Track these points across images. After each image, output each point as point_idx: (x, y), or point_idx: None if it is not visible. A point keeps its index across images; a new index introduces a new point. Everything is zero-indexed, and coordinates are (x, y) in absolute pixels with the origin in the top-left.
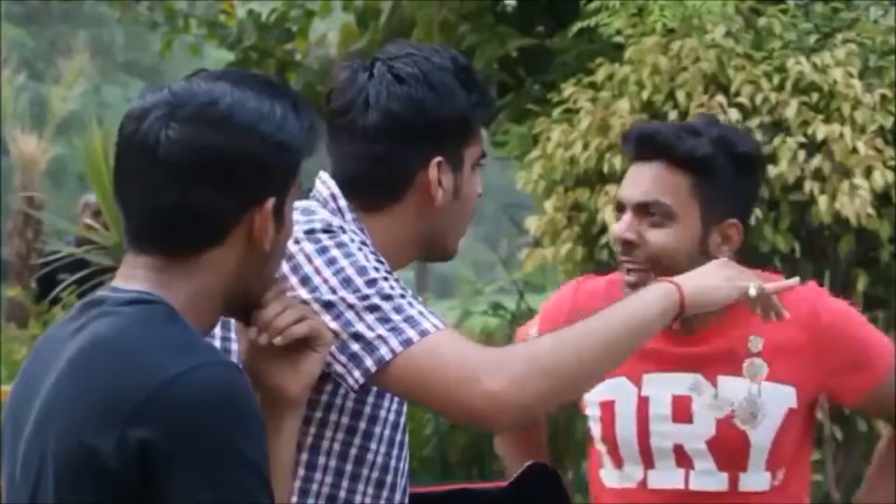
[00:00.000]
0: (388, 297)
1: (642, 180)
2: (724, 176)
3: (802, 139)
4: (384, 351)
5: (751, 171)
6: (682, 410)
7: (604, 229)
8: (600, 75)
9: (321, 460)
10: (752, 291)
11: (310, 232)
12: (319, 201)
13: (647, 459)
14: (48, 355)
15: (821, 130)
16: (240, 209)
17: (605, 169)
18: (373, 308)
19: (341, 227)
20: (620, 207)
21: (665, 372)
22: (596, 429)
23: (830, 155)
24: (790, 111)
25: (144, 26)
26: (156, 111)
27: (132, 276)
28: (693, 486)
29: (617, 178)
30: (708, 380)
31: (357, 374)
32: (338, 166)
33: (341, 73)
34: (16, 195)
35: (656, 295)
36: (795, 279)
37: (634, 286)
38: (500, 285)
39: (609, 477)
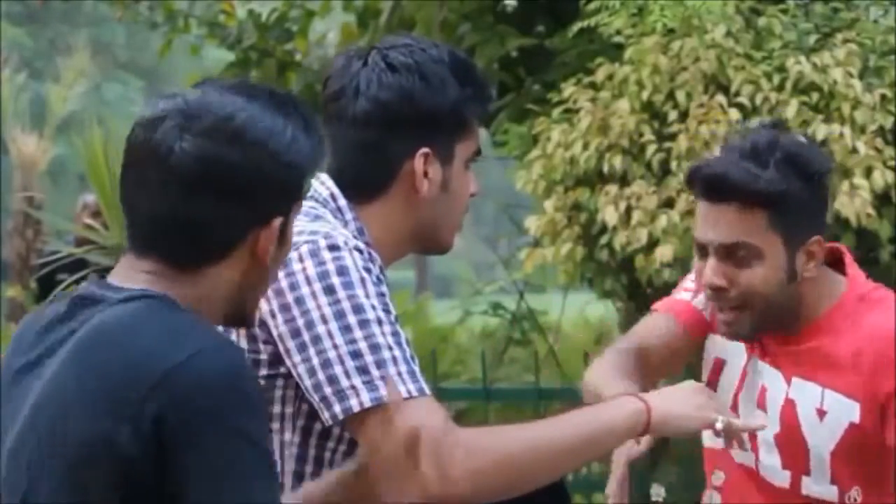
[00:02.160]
0: (374, 347)
1: (720, 221)
2: (799, 200)
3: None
4: (353, 402)
5: (824, 186)
6: (762, 398)
7: (604, 229)
8: (600, 75)
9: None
10: (719, 425)
11: (314, 251)
12: (319, 202)
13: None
14: (32, 349)
15: (821, 130)
16: (247, 226)
17: (605, 169)
18: (356, 354)
19: (345, 242)
20: (703, 251)
21: (759, 360)
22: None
23: (830, 155)
24: (790, 111)
25: (144, 26)
26: (169, 121)
27: (132, 278)
28: (762, 473)
29: (617, 178)
30: (784, 379)
31: (326, 415)
32: (331, 155)
33: (338, 61)
34: (16, 195)
35: (625, 414)
36: (762, 423)
37: (731, 327)
38: (500, 285)
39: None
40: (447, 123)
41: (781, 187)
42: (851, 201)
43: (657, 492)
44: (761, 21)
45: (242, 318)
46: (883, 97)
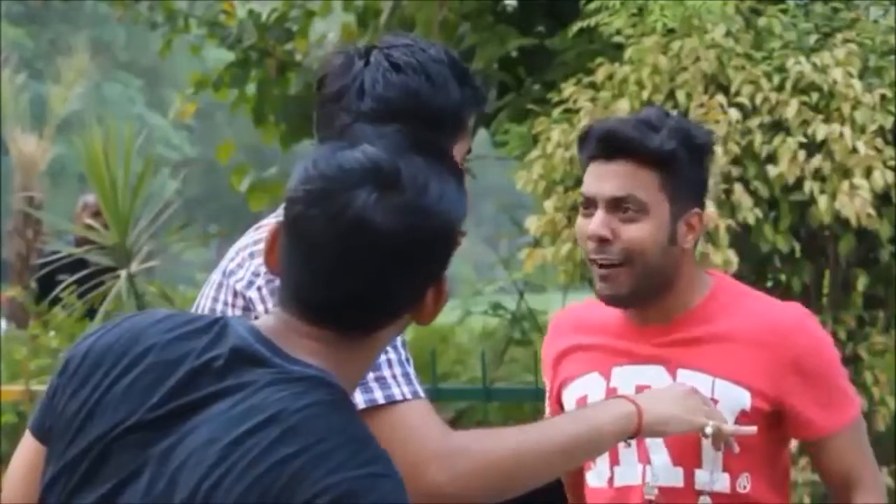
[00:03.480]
0: None
1: (613, 177)
2: (686, 168)
3: (802, 139)
4: None
5: (706, 161)
6: None
7: None
8: (600, 75)
9: None
10: (708, 430)
11: None
12: None
13: (613, 454)
14: (161, 381)
15: (821, 130)
16: (424, 291)
17: None
18: None
19: None
20: (589, 204)
21: (633, 364)
22: None
23: (830, 155)
24: (790, 111)
25: (144, 26)
26: (363, 192)
27: (301, 346)
28: (649, 479)
29: None
30: (669, 372)
31: None
32: None
33: (336, 59)
34: (16, 195)
35: (616, 416)
36: (753, 428)
37: (610, 283)
38: (500, 285)
39: (590, 477)
40: (448, 123)
41: (672, 148)
42: (851, 201)
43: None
44: (761, 21)
45: None
46: (883, 97)
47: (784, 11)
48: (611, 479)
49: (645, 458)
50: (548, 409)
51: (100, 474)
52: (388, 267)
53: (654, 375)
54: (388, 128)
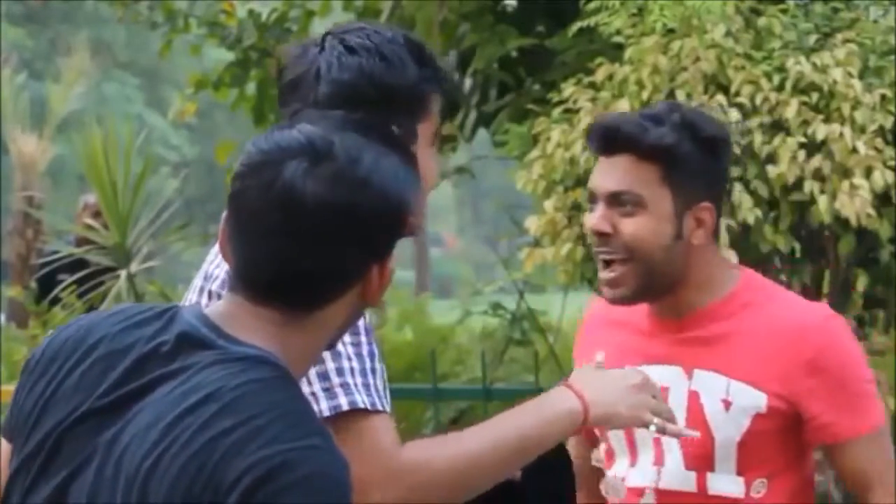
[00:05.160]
0: (336, 355)
1: (613, 171)
2: (692, 161)
3: (802, 139)
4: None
5: (717, 153)
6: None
7: None
8: (600, 75)
9: None
10: (652, 428)
11: None
12: None
13: (633, 452)
14: (110, 366)
15: (821, 130)
16: (365, 267)
17: None
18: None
19: None
20: (592, 199)
21: (649, 364)
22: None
23: (830, 155)
24: (790, 111)
25: (144, 26)
26: (294, 163)
27: (246, 328)
28: (662, 485)
29: None
30: (685, 373)
31: None
32: None
33: (293, 50)
34: (16, 195)
35: (561, 413)
36: (696, 433)
37: (614, 283)
38: (500, 285)
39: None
40: (408, 102)
41: (671, 141)
42: (851, 201)
43: (597, 457)
44: (761, 21)
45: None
46: (883, 97)
47: (784, 11)
48: (623, 480)
49: (660, 461)
50: None
51: (54, 465)
52: (322, 237)
53: (670, 377)
54: (335, 113)
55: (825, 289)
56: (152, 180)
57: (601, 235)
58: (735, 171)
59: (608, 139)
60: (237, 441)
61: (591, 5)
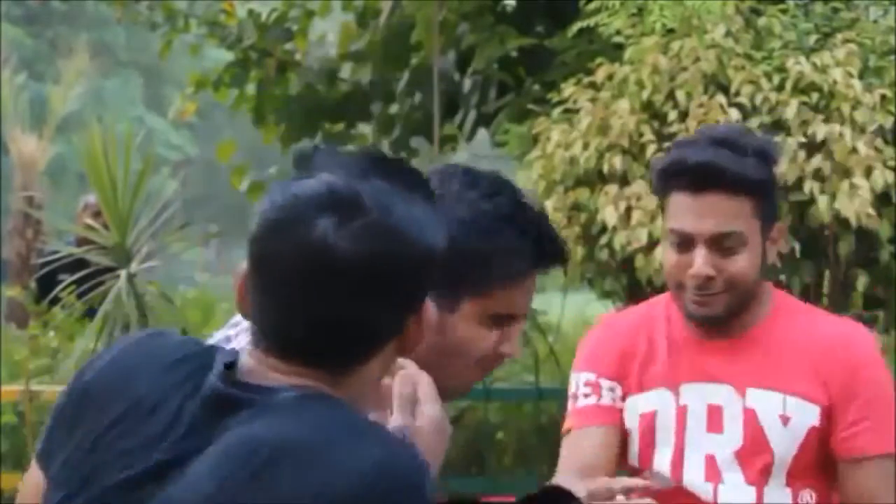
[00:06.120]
0: None
1: (708, 212)
2: (771, 187)
3: (802, 139)
4: None
5: (776, 174)
6: (715, 420)
7: (604, 229)
8: (600, 75)
9: None
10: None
11: None
12: None
13: (677, 469)
14: (131, 433)
15: (821, 130)
16: (403, 321)
17: (605, 169)
18: None
19: None
20: (684, 240)
21: (702, 382)
22: (634, 441)
23: (830, 155)
24: (790, 111)
25: (144, 26)
26: (323, 220)
27: (275, 380)
28: (721, 500)
29: (617, 178)
30: (738, 391)
31: None
32: None
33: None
34: (16, 195)
35: None
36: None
37: (704, 307)
38: None
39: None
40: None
41: (764, 174)
42: (851, 201)
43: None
44: (761, 21)
45: None
46: (883, 97)
47: (784, 11)
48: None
49: (715, 478)
50: (580, 402)
51: None
52: (358, 295)
53: (724, 395)
54: (350, 153)
55: (825, 289)
56: (152, 180)
57: (706, 279)
58: None
59: (704, 177)
60: (323, 480)
61: (591, 5)
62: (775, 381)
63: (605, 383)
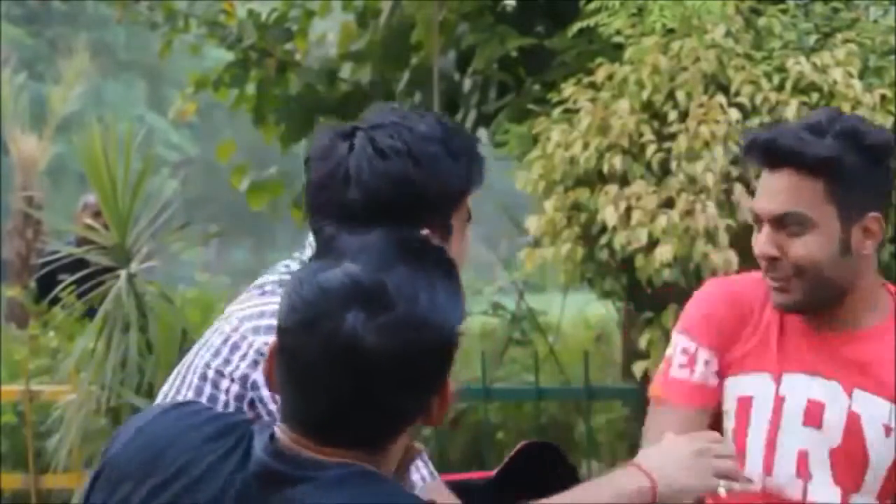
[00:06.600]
0: None
1: (775, 192)
2: (856, 172)
3: None
4: None
5: (883, 161)
6: (813, 415)
7: (604, 229)
8: (600, 75)
9: None
10: (721, 491)
11: None
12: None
13: (768, 464)
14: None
15: None
16: (428, 403)
17: (605, 169)
18: None
19: None
20: (758, 221)
21: (806, 374)
22: (730, 420)
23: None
24: (790, 111)
25: (144, 26)
26: (350, 315)
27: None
28: (809, 499)
29: (617, 178)
30: (845, 391)
31: None
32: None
33: (321, 139)
34: (16, 195)
35: (632, 492)
36: (757, 486)
37: (782, 293)
38: (500, 285)
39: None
40: (444, 202)
41: (834, 154)
42: None
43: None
44: (761, 21)
45: None
46: (883, 97)
47: (784, 11)
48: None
49: (805, 475)
50: (673, 370)
51: None
52: (388, 386)
53: (828, 392)
54: (372, 236)
55: None
56: (152, 180)
57: (770, 260)
58: (735, 171)
59: (770, 154)
60: None
61: (591, 5)
62: (885, 389)
63: (703, 355)
